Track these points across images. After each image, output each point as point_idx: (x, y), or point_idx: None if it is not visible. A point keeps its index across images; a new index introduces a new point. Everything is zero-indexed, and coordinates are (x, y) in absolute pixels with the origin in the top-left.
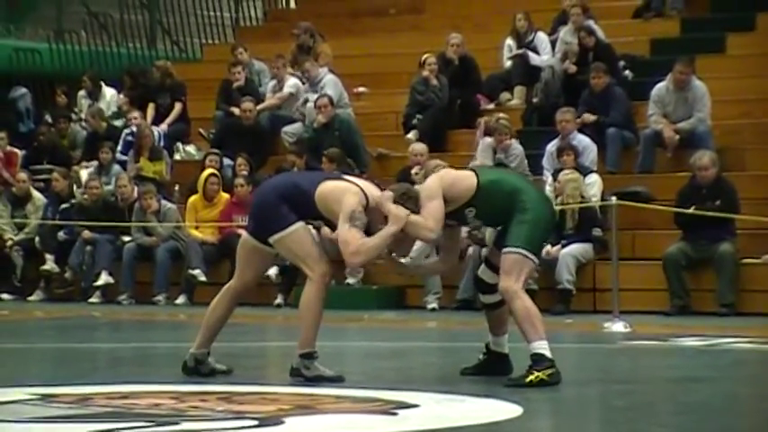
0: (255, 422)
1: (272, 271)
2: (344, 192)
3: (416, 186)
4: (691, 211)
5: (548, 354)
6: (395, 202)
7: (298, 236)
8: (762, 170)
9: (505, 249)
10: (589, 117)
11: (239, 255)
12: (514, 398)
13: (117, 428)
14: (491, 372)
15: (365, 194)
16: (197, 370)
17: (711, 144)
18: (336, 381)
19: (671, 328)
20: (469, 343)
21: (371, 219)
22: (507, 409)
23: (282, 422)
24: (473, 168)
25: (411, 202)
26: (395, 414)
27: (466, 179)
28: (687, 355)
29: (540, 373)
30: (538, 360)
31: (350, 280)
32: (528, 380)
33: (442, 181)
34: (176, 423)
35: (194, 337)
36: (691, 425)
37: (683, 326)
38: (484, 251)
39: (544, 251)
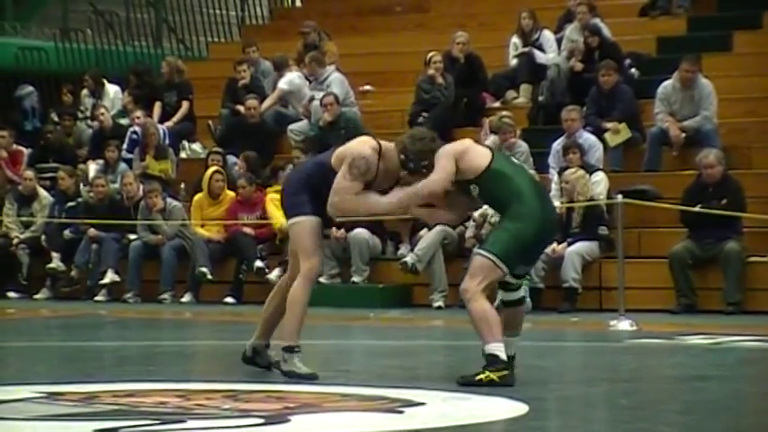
0: (261, 420)
1: (275, 273)
2: (356, 143)
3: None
4: (697, 209)
5: (502, 356)
6: (407, 159)
7: (302, 227)
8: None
9: (479, 250)
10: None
11: (290, 247)
12: (520, 396)
13: (123, 426)
14: None
15: (379, 146)
16: (254, 361)
17: (718, 142)
18: (309, 378)
19: (677, 327)
20: (475, 341)
21: (381, 170)
22: (513, 408)
23: (288, 420)
24: (493, 151)
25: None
26: (401, 412)
27: (478, 157)
28: (693, 354)
29: (490, 373)
30: (492, 361)
31: (355, 278)
32: (478, 378)
33: (458, 148)
34: (182, 421)
35: (200, 334)
36: (697, 424)
37: (690, 324)
38: None
39: (549, 249)
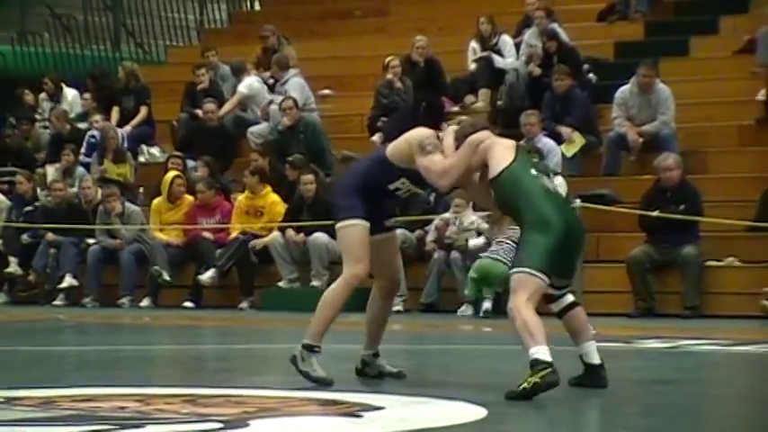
0: (220, 425)
1: (208, 275)
2: (412, 133)
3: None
4: (655, 214)
5: (543, 357)
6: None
7: (352, 232)
8: (725, 173)
9: (515, 268)
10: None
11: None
12: (479, 400)
13: (82, 431)
14: (585, 385)
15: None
16: (364, 372)
17: (676, 147)
18: (320, 383)
19: (635, 331)
20: (434, 345)
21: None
22: (473, 412)
23: (247, 425)
24: (518, 151)
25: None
26: (360, 416)
27: (501, 159)
28: (651, 358)
29: (532, 376)
30: (533, 364)
31: (315, 282)
32: (522, 387)
33: (486, 142)
34: (141, 426)
35: (159, 339)
36: (657, 427)
37: (648, 328)
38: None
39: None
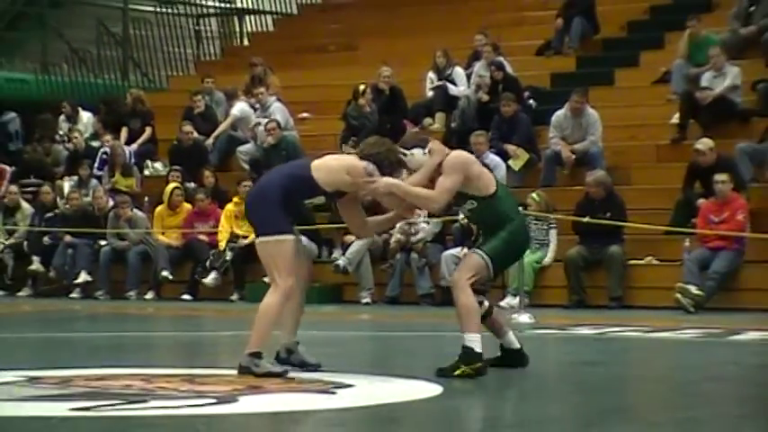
0: (214, 400)
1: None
2: (345, 161)
3: (447, 154)
4: (586, 220)
5: (477, 348)
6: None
7: (285, 247)
8: (645, 185)
9: (476, 249)
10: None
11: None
12: (435, 380)
13: (94, 406)
14: (508, 365)
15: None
16: (288, 360)
17: (603, 163)
18: (283, 375)
19: (569, 320)
20: (397, 332)
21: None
22: (430, 389)
23: (237, 400)
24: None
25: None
26: (333, 393)
27: (489, 178)
28: (582, 343)
29: (466, 368)
30: (467, 353)
31: None
32: (456, 373)
33: (469, 164)
34: (145, 401)
35: (161, 327)
36: (585, 401)
37: (580, 317)
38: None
39: (461, 252)
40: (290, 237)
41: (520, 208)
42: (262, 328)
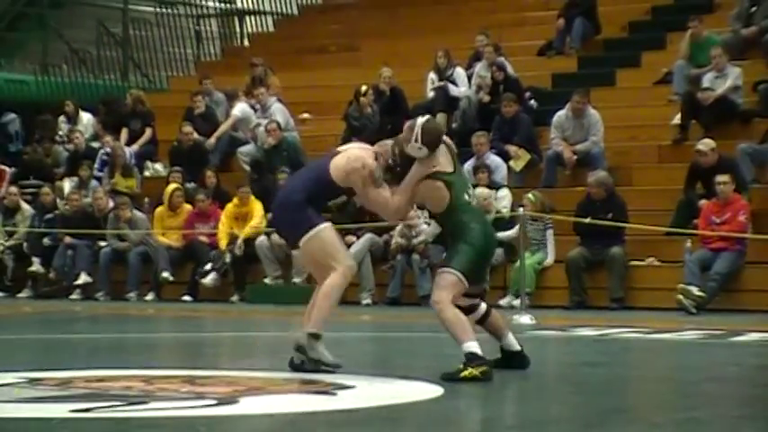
0: (215, 401)
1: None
2: (355, 160)
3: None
4: (587, 220)
5: (479, 352)
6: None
7: (324, 236)
8: (646, 185)
9: (445, 269)
10: None
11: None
12: (436, 381)
13: (94, 407)
14: (508, 366)
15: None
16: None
17: (604, 163)
18: (334, 367)
19: (570, 321)
20: (399, 333)
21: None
22: (431, 390)
23: (237, 401)
24: (449, 181)
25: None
26: (334, 394)
27: (440, 195)
28: (583, 344)
29: (473, 370)
30: (471, 358)
31: (296, 279)
32: (462, 375)
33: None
34: (146, 403)
35: (161, 328)
36: (586, 401)
37: (581, 318)
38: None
39: None
40: (326, 224)
41: (487, 214)
42: (324, 309)
